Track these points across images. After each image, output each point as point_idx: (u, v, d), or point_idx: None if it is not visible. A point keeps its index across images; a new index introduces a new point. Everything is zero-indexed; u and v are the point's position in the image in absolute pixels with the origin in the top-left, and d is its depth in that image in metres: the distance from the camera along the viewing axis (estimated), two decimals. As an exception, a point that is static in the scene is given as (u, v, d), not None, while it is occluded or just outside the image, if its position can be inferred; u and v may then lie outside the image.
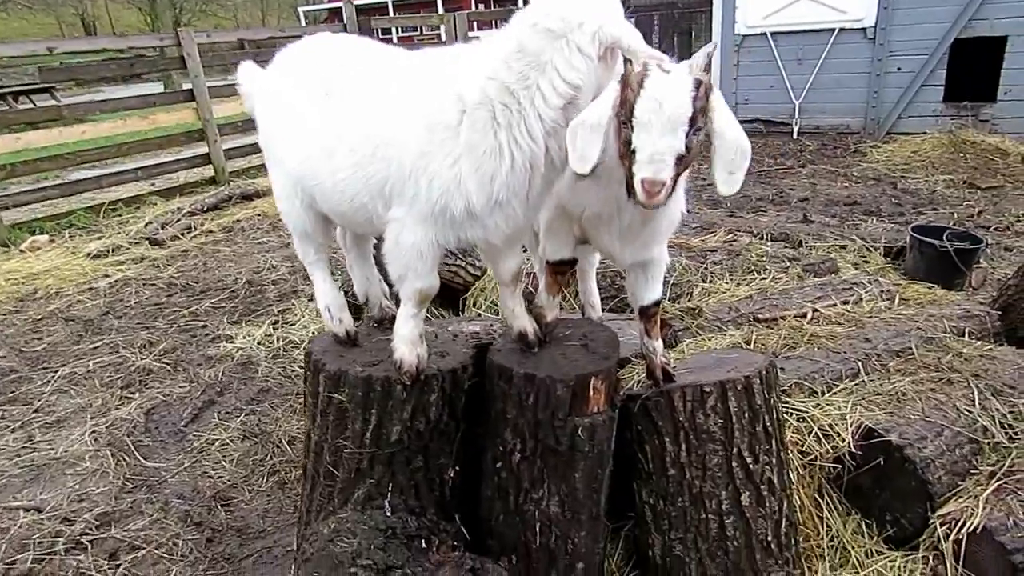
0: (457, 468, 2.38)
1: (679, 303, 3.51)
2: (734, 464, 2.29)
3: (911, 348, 3.05)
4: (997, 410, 2.70)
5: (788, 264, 3.99)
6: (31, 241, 7.22)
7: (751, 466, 2.30)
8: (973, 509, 2.40)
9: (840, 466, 2.63)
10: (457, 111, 1.82)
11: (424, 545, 2.27)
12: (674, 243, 4.16)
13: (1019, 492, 2.46)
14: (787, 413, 2.67)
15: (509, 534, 2.34)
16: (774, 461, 2.34)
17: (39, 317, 5.54)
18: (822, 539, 2.62)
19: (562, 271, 2.31)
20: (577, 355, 2.27)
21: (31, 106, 9.86)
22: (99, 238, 7.44)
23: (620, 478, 2.46)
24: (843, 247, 5.50)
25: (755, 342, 3.10)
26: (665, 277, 3.82)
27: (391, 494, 2.25)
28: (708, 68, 1.71)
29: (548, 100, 1.75)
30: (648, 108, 1.65)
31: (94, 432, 3.93)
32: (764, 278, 3.83)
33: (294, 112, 2.15)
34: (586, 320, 2.54)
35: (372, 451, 2.20)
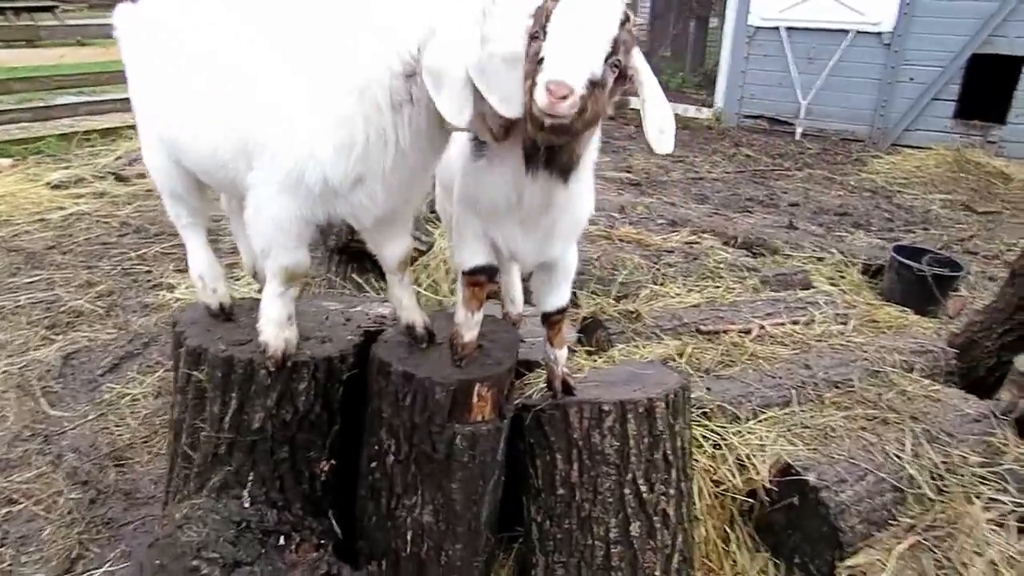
0: (333, 462, 2.20)
1: (620, 304, 3.31)
2: (627, 491, 2.12)
3: (852, 380, 2.86)
4: (929, 458, 2.51)
5: (746, 274, 3.77)
6: (-7, 163, 6.99)
7: (645, 495, 2.12)
8: (883, 563, 2.24)
9: (753, 500, 2.46)
10: (322, 68, 1.61)
11: (282, 542, 2.10)
12: (632, 238, 3.96)
13: (935, 550, 2.29)
14: (704, 437, 2.49)
15: (380, 539, 2.17)
16: (672, 492, 2.16)
17: (-19, 244, 5.35)
18: (725, 574, 2.46)
19: (479, 282, 2.01)
20: (471, 358, 2.07)
21: (5, 24, 9.56)
22: (65, 168, 7.20)
23: (513, 488, 2.29)
24: (820, 259, 5.29)
25: (689, 356, 2.90)
26: (613, 275, 3.64)
27: (251, 484, 2.07)
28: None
29: (391, 66, 1.54)
30: (567, 9, 1.44)
31: (5, 372, 3.75)
32: (718, 286, 3.62)
33: (159, 48, 1.93)
34: (491, 318, 2.34)
35: (231, 437, 2.01)
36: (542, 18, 1.47)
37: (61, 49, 7.62)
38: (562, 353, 2.15)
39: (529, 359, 2.55)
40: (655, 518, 2.14)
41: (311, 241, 1.87)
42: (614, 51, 1.46)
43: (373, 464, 2.12)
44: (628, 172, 8.23)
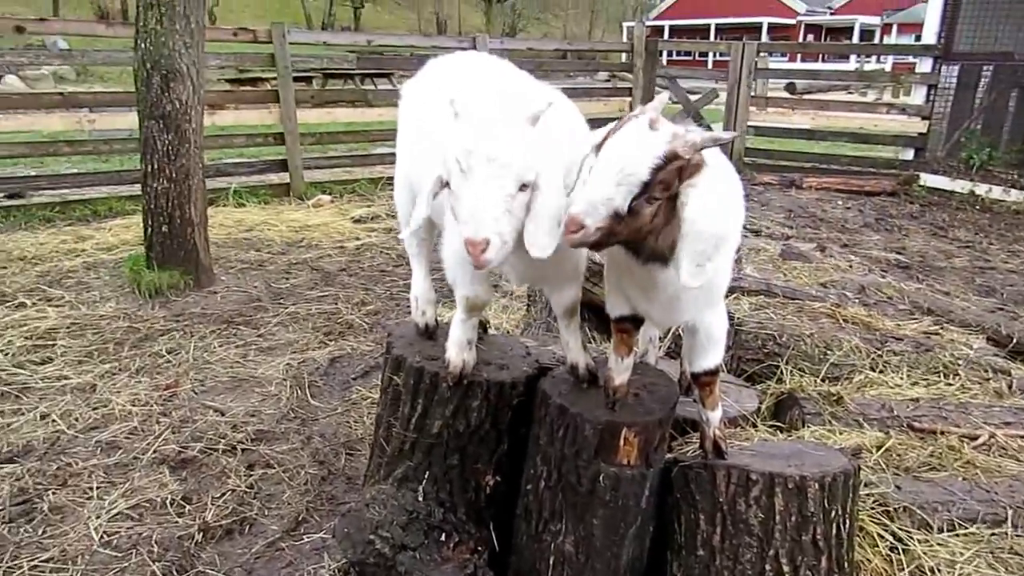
0: (498, 479, 2.45)
1: (825, 385, 3.13)
2: (768, 567, 2.06)
3: (1099, 514, 2.41)
4: None
5: (991, 375, 3.31)
6: (317, 198, 8.59)
7: (787, 576, 2.05)
8: None
9: (932, 619, 2.20)
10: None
11: (443, 538, 2.39)
12: (860, 320, 3.69)
13: None
14: (880, 536, 2.30)
15: (527, 558, 2.36)
16: (820, 580, 2.05)
17: (295, 261, 6.62)
18: None
19: (626, 329, 2.14)
20: (624, 402, 2.20)
21: (352, 87, 11.79)
22: (368, 206, 8.60)
23: (664, 542, 2.34)
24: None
25: (887, 450, 2.67)
26: (826, 355, 3.45)
27: (425, 481, 2.39)
28: (703, 148, 1.58)
29: None
30: (605, 152, 1.59)
31: (288, 364, 4.63)
32: (951, 384, 3.24)
33: (414, 112, 2.43)
34: (659, 372, 2.43)
35: (414, 437, 2.36)
36: (598, 147, 1.63)
37: (381, 108, 9.20)
38: (715, 415, 2.18)
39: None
40: (797, 604, 2.05)
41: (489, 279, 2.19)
42: (646, 190, 1.54)
43: (529, 486, 2.33)
44: (899, 253, 7.53)
